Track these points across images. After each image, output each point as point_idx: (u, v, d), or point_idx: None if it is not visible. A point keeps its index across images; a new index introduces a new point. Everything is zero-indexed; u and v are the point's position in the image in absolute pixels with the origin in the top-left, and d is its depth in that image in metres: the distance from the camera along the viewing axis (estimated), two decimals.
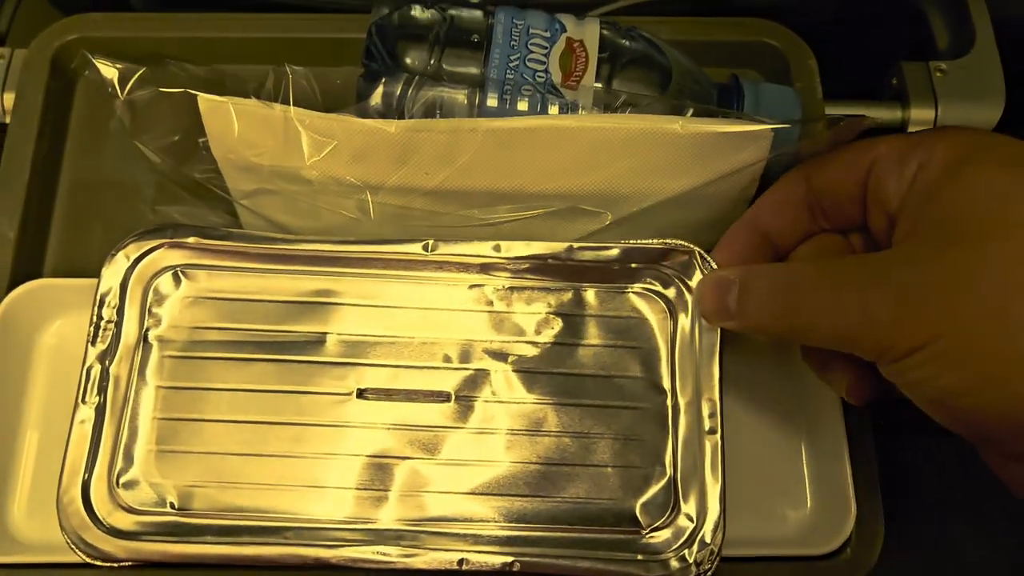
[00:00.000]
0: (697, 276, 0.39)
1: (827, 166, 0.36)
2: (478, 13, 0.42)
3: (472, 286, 0.40)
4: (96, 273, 0.40)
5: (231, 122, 0.38)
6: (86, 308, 0.42)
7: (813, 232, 0.37)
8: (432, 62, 0.41)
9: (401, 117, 0.40)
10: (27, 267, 0.45)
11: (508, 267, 0.40)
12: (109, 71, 0.39)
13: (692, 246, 0.39)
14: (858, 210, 0.35)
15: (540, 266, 0.40)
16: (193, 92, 0.38)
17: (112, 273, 0.39)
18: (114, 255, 0.39)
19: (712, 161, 0.39)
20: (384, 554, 0.36)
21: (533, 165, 0.39)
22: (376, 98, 0.40)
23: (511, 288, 0.40)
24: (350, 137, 0.38)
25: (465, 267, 0.40)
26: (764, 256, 0.38)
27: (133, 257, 0.39)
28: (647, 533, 0.37)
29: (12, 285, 0.43)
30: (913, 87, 0.51)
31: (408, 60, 0.41)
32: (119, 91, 0.39)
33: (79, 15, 0.49)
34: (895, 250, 0.32)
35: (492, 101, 0.40)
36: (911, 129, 0.51)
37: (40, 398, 0.42)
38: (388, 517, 0.37)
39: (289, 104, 0.38)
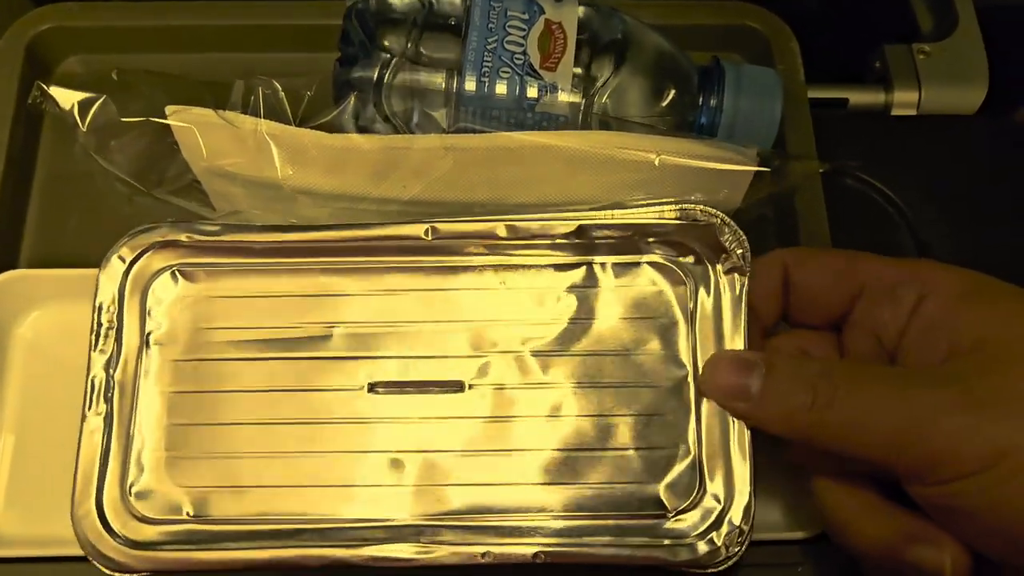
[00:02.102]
0: (721, 243, 0.37)
1: (811, 266, 0.36)
2: None
3: (479, 268, 0.39)
4: (72, 263, 0.39)
5: (202, 135, 0.38)
6: (63, 299, 0.41)
7: (778, 323, 0.37)
8: (409, 46, 0.40)
9: (378, 102, 0.40)
10: (2, 258, 0.44)
11: (516, 246, 0.38)
12: (68, 100, 0.38)
13: (713, 211, 0.38)
14: (829, 319, 0.36)
15: (550, 244, 0.38)
16: (157, 119, 0.37)
17: (108, 278, 0.38)
18: (109, 259, 0.38)
19: (692, 184, 0.39)
20: (404, 551, 0.35)
21: (511, 178, 0.39)
22: (349, 110, 0.39)
23: (520, 266, 0.39)
24: (323, 152, 0.38)
25: (470, 249, 0.38)
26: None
27: (128, 260, 0.38)
28: (673, 516, 0.36)
29: None
30: (896, 70, 0.51)
31: (385, 44, 0.41)
32: (80, 122, 0.38)
33: (54, 4, 0.49)
34: (938, 369, 0.31)
35: (470, 84, 0.40)
36: (895, 112, 0.51)
37: (16, 391, 0.42)
38: (407, 513, 0.36)
39: (260, 116, 0.38)
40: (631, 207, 0.38)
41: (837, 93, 0.52)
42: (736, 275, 0.37)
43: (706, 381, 0.36)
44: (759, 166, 0.38)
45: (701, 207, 0.38)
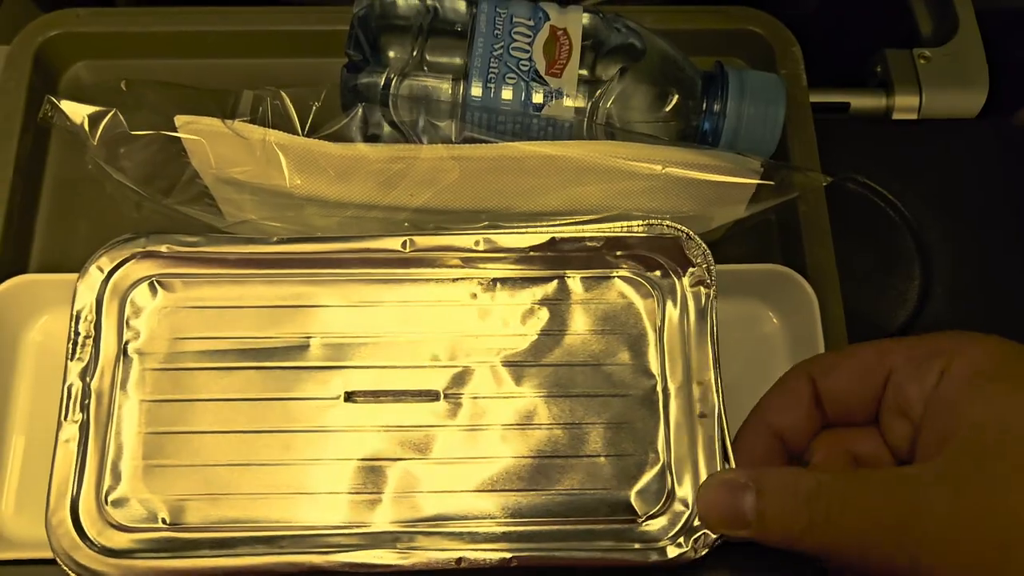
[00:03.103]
0: (687, 257, 0.39)
1: (835, 373, 0.34)
2: (461, 3, 0.42)
3: (454, 280, 0.40)
4: (82, 268, 0.39)
5: (211, 145, 0.38)
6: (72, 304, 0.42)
7: (823, 426, 0.35)
8: (415, 52, 0.41)
9: (385, 108, 0.40)
10: (12, 263, 0.44)
11: (490, 259, 0.40)
12: (78, 115, 0.38)
13: (679, 226, 0.39)
14: (869, 415, 0.34)
15: (523, 256, 0.40)
16: (166, 132, 0.38)
17: (86, 287, 0.38)
18: (87, 268, 0.38)
19: (696, 194, 0.39)
20: (381, 557, 0.35)
21: (517, 188, 0.39)
22: (357, 119, 0.40)
23: (494, 280, 0.40)
24: (331, 161, 0.38)
25: (446, 262, 0.40)
26: (780, 458, 0.35)
27: (107, 270, 0.38)
28: (643, 521, 0.37)
29: None
30: (897, 74, 0.52)
31: (391, 51, 0.41)
32: (90, 135, 0.38)
33: (62, 10, 0.49)
34: (928, 466, 0.30)
35: (476, 90, 0.40)
36: (896, 116, 0.52)
37: (26, 395, 0.42)
38: (383, 519, 0.36)
39: (268, 126, 0.38)
40: (603, 221, 0.39)
41: (839, 97, 0.52)
42: (701, 287, 0.39)
43: (702, 510, 0.35)
44: (763, 178, 0.39)
45: (668, 222, 0.39)
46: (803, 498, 0.31)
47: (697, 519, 0.36)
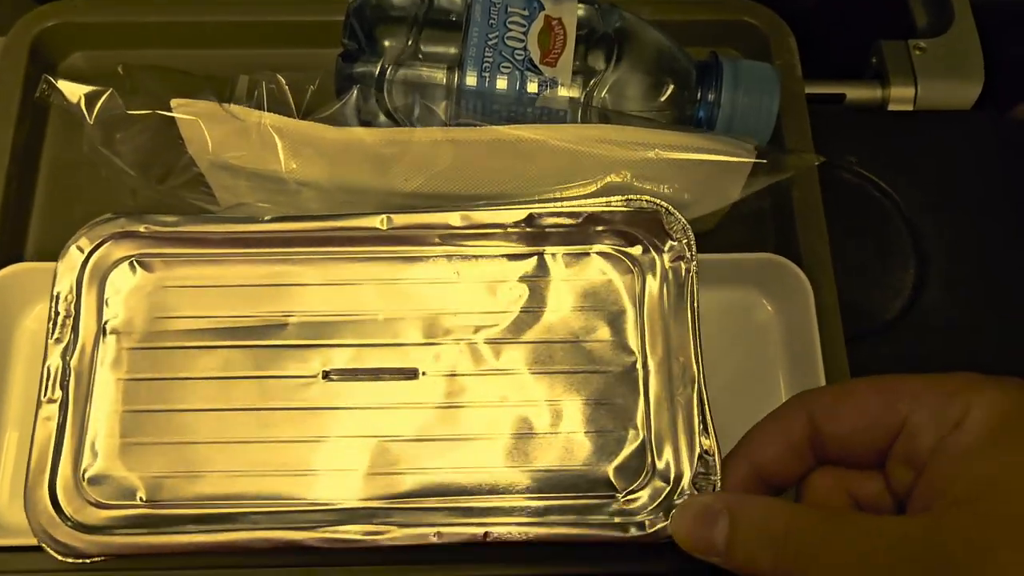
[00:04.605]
0: (667, 232, 0.38)
1: (840, 418, 0.32)
2: None
3: (434, 258, 0.40)
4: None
5: (207, 128, 0.38)
6: None
7: (814, 467, 0.33)
8: (410, 42, 0.41)
9: (380, 96, 0.40)
10: (8, 251, 0.45)
11: (469, 236, 0.39)
12: (75, 94, 0.38)
13: (658, 201, 0.39)
14: (874, 463, 0.32)
15: (502, 233, 0.39)
16: (163, 112, 0.38)
17: (67, 267, 0.38)
18: (67, 248, 0.38)
19: (689, 176, 0.39)
20: (358, 532, 0.35)
21: (512, 171, 0.39)
22: (351, 104, 0.40)
23: (473, 257, 0.40)
24: (326, 145, 0.38)
25: (426, 239, 0.39)
26: (758, 491, 0.34)
27: (87, 250, 0.38)
28: (623, 497, 0.37)
29: None
30: (893, 65, 0.52)
31: (387, 40, 0.41)
32: (87, 114, 0.38)
33: (57, 1, 0.49)
34: (917, 520, 0.29)
35: (471, 79, 0.40)
36: (892, 107, 0.52)
37: (22, 382, 0.42)
38: (360, 496, 0.37)
39: (264, 110, 0.38)
40: (583, 203, 0.39)
41: (834, 88, 0.52)
42: (681, 263, 0.38)
43: (674, 532, 0.34)
44: (756, 159, 0.39)
45: (647, 197, 0.39)
46: (774, 535, 0.30)
47: (677, 496, 0.36)
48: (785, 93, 0.43)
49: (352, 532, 0.35)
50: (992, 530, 0.27)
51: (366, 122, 0.41)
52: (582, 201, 0.39)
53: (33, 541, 0.38)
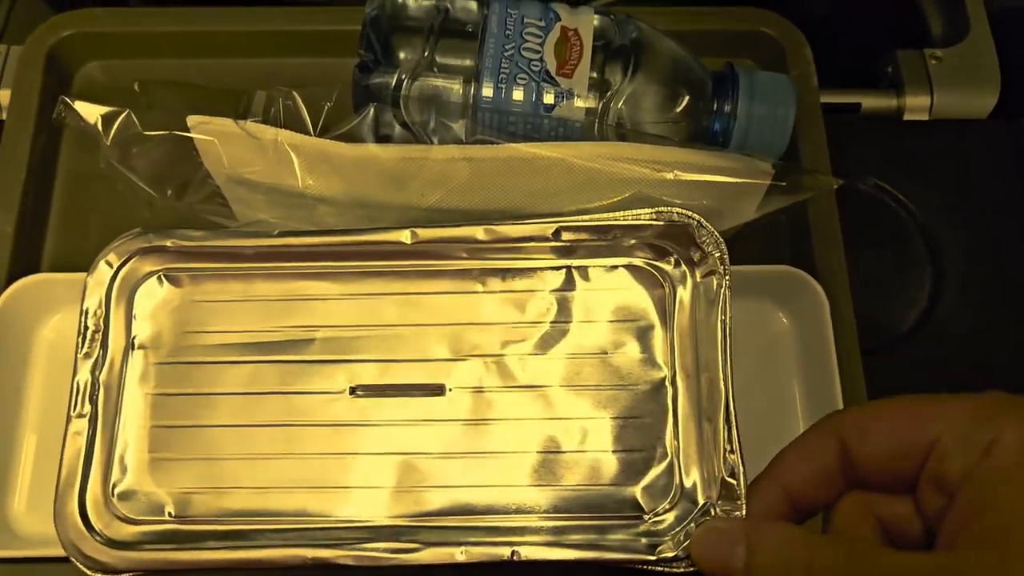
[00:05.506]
0: (698, 245, 0.38)
1: (872, 442, 0.31)
2: (472, 3, 0.42)
3: (460, 272, 0.39)
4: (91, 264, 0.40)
5: (223, 146, 0.38)
6: None
7: (844, 492, 0.33)
8: (426, 53, 0.41)
9: (396, 108, 0.40)
10: (25, 262, 0.45)
11: (496, 250, 0.39)
12: (92, 115, 0.38)
13: (690, 213, 0.38)
14: (905, 488, 0.31)
15: (529, 247, 0.39)
16: (178, 133, 0.38)
17: (96, 283, 0.38)
18: (96, 264, 0.38)
19: (705, 195, 0.39)
20: (384, 550, 0.35)
21: (528, 189, 0.39)
22: (368, 119, 0.40)
23: (500, 271, 0.39)
24: (342, 161, 0.38)
25: (451, 253, 0.39)
26: (789, 517, 0.33)
27: (116, 265, 0.39)
28: (650, 518, 0.36)
29: (10, 280, 0.43)
30: (908, 74, 0.52)
31: (402, 51, 0.41)
32: (103, 135, 0.38)
33: (75, 11, 0.49)
34: (943, 556, 0.28)
35: (487, 91, 0.40)
36: (907, 117, 0.52)
37: (39, 393, 0.43)
38: (387, 513, 0.36)
39: (280, 127, 0.38)
40: (612, 216, 0.38)
41: (850, 98, 0.52)
42: (713, 278, 0.38)
43: (694, 553, 0.34)
44: (774, 180, 0.39)
45: (678, 210, 0.38)
46: (792, 568, 0.30)
47: (703, 517, 0.35)
48: (801, 104, 0.43)
49: (379, 550, 0.35)
50: (1018, 573, 0.26)
51: (383, 136, 0.41)
52: (610, 214, 0.39)
53: (51, 552, 0.39)
